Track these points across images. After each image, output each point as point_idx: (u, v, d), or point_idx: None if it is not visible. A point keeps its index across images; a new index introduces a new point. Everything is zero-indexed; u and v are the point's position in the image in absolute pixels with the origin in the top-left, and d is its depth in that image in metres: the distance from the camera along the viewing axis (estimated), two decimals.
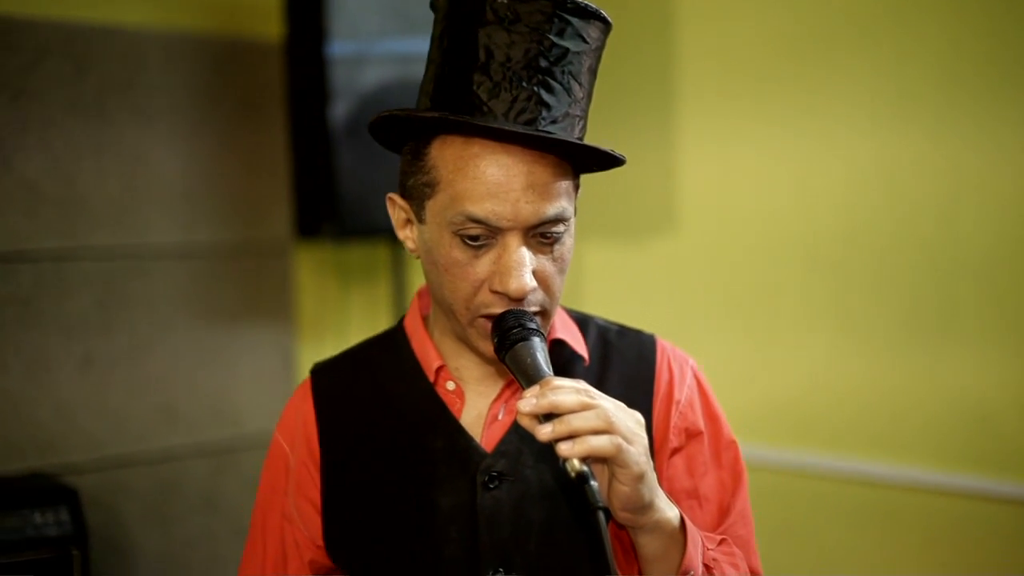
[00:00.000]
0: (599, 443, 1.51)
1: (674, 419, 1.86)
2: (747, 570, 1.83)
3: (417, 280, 3.85)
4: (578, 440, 1.50)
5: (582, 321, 1.93)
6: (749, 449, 3.30)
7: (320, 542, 1.83)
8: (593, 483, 1.49)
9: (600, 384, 1.75)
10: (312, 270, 3.76)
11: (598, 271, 3.60)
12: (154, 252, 3.36)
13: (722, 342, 3.39)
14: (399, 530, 1.77)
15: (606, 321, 1.96)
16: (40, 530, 2.82)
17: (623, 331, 1.95)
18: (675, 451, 1.85)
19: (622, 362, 1.88)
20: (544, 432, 1.50)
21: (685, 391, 1.90)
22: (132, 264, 3.32)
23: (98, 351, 3.26)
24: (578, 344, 1.86)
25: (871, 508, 3.17)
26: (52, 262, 3.19)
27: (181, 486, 3.43)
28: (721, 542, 1.80)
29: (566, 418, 1.51)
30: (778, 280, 3.29)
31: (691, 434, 1.87)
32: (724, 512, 1.87)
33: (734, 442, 1.94)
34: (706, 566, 1.70)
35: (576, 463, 1.49)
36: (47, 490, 2.93)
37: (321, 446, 1.84)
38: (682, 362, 1.95)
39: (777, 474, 3.32)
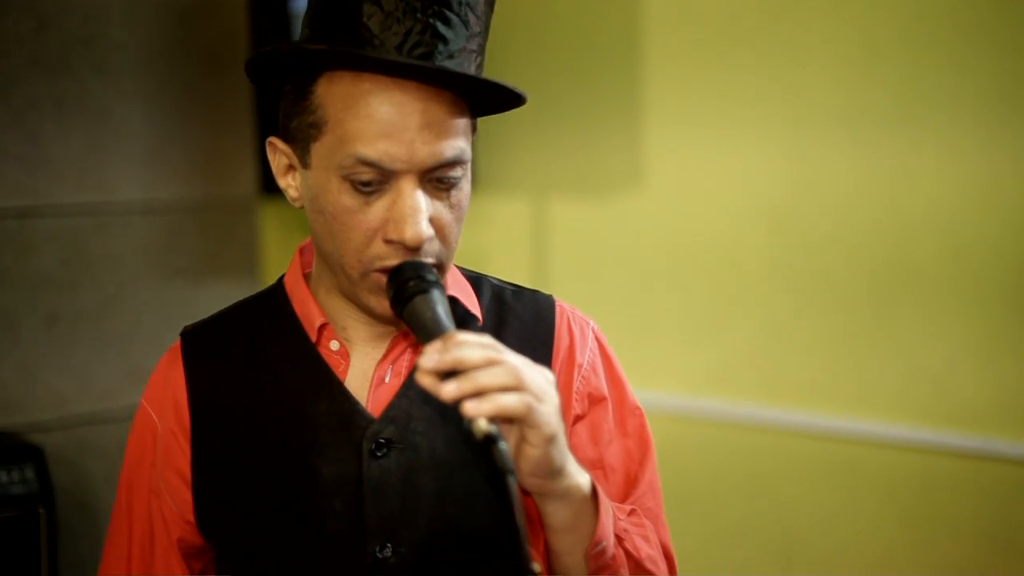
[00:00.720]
0: (509, 401, 1.38)
1: (576, 384, 1.74)
2: (657, 543, 1.73)
3: None
4: (486, 398, 1.37)
5: (475, 280, 1.79)
6: (713, 405, 3.33)
7: (190, 518, 1.67)
8: (502, 444, 1.37)
9: None
10: (277, 227, 3.74)
11: (563, 228, 3.59)
12: (118, 209, 3.34)
13: (686, 299, 3.40)
14: (277, 503, 1.63)
15: (501, 281, 1.82)
16: (6, 489, 2.81)
17: (519, 291, 1.81)
18: (578, 418, 1.74)
19: (518, 323, 1.75)
20: (448, 390, 1.37)
21: (587, 354, 1.78)
22: (96, 221, 3.30)
23: (63, 309, 3.24)
24: (471, 303, 1.72)
25: (834, 464, 3.19)
26: (15, 220, 3.16)
27: None
28: (631, 512, 1.71)
29: (472, 374, 1.38)
30: (742, 238, 3.29)
31: (594, 400, 1.76)
32: (631, 483, 1.77)
33: (639, 410, 1.83)
34: (617, 537, 1.61)
35: (483, 423, 1.37)
36: (12, 449, 2.92)
37: (191, 413, 1.68)
38: (583, 324, 1.82)
39: (741, 431, 3.33)
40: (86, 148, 3.27)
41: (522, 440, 1.44)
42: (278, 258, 3.75)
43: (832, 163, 3.13)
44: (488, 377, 1.38)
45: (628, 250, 3.49)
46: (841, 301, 3.14)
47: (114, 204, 3.33)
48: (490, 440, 1.37)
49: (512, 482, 1.36)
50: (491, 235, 3.73)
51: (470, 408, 1.37)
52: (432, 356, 1.39)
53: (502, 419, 1.41)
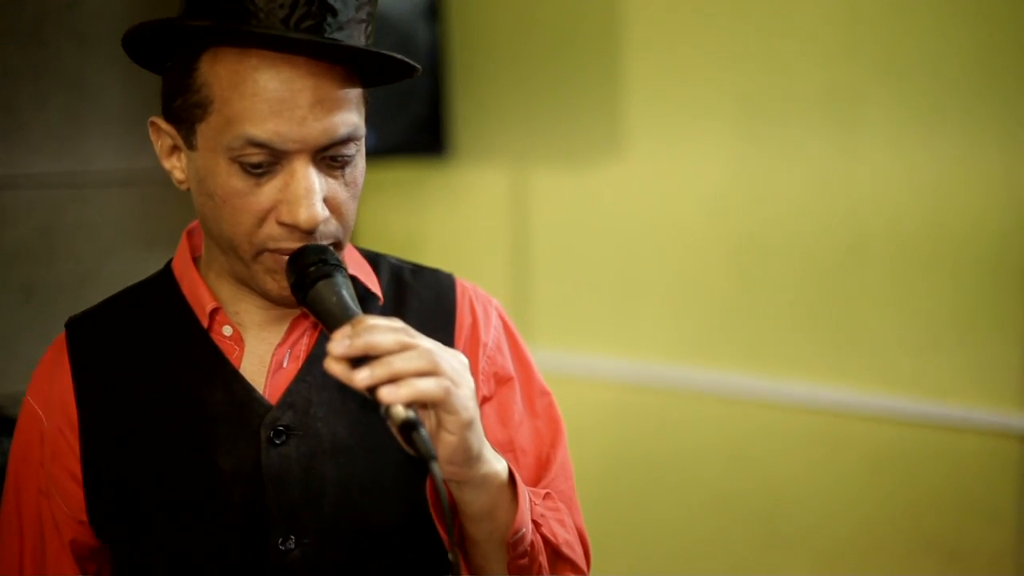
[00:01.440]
0: (426, 386, 1.33)
1: (482, 364, 1.70)
2: (573, 527, 1.68)
3: (362, 207, 3.82)
4: (402, 383, 1.32)
5: (373, 258, 1.73)
6: (693, 375, 3.33)
7: (83, 518, 1.60)
8: (423, 431, 1.32)
9: None
10: None
11: (543, 198, 3.58)
12: (96, 180, 3.31)
13: (666, 269, 3.39)
14: (172, 498, 1.56)
15: (399, 259, 1.77)
16: None
17: (418, 269, 1.75)
18: (485, 400, 1.70)
19: (418, 302, 1.70)
20: (361, 377, 1.32)
21: (492, 333, 1.73)
22: (74, 192, 3.27)
23: (40, 280, 3.22)
24: (371, 281, 1.67)
25: (816, 435, 3.19)
26: None
27: None
28: (545, 496, 1.66)
29: (386, 359, 1.33)
30: (722, 207, 3.29)
31: (501, 380, 1.72)
32: (543, 465, 1.73)
33: (548, 392, 1.78)
34: (534, 523, 1.56)
35: (400, 410, 1.32)
36: None
37: (79, 409, 1.60)
38: (485, 303, 1.77)
39: (722, 401, 3.33)
40: (63, 118, 3.24)
41: (439, 426, 1.39)
42: None
43: (812, 135, 3.12)
44: (402, 362, 1.33)
45: (608, 220, 3.49)
46: (821, 272, 3.14)
47: (92, 174, 3.31)
48: (410, 426, 1.32)
49: (436, 467, 1.32)
50: (470, 206, 3.72)
51: (386, 394, 1.32)
52: (342, 342, 1.34)
53: (419, 405, 1.36)
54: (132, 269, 3.38)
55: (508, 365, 1.74)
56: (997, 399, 2.93)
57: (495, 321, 1.75)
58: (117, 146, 3.35)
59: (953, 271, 2.95)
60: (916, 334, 3.02)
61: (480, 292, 1.78)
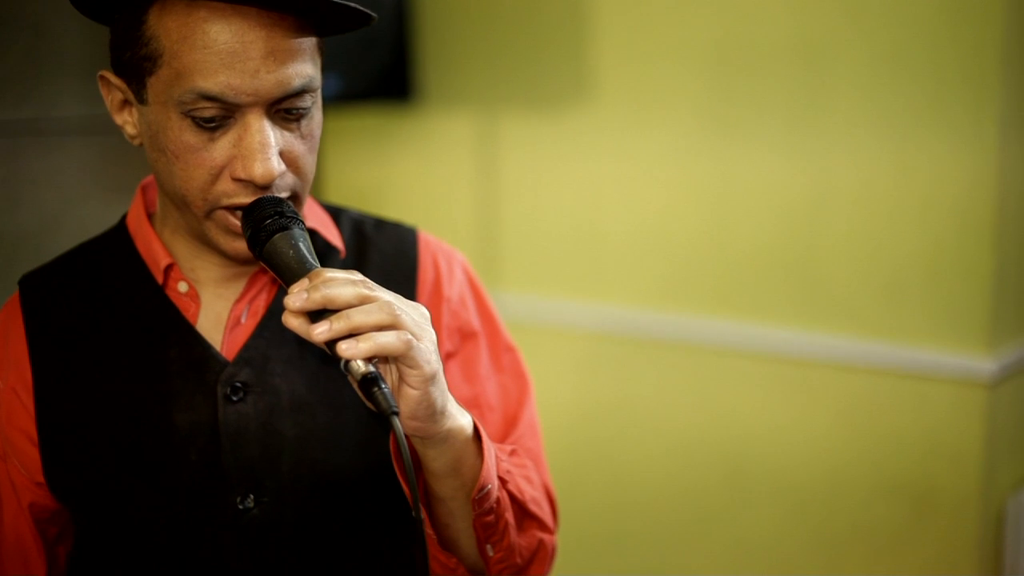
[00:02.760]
0: (386, 340, 1.30)
1: (445, 319, 1.68)
2: (540, 484, 1.67)
3: (331, 154, 3.80)
4: (362, 337, 1.29)
5: (334, 212, 1.71)
6: (662, 319, 3.33)
7: (40, 479, 1.57)
8: (384, 386, 1.29)
9: None
10: None
11: (512, 144, 3.57)
12: (58, 127, 3.28)
13: (635, 213, 3.39)
14: (130, 456, 1.53)
15: (361, 213, 1.74)
16: None
17: (380, 223, 1.72)
18: (449, 356, 1.68)
19: (380, 256, 1.67)
20: (320, 332, 1.30)
21: (455, 288, 1.71)
22: (36, 140, 3.24)
23: (5, 228, 3.19)
24: (331, 235, 1.65)
25: (784, 380, 3.20)
26: None
27: None
28: (512, 453, 1.64)
29: (345, 313, 1.30)
30: (690, 150, 3.28)
31: (466, 335, 1.70)
32: (511, 422, 1.71)
33: (514, 348, 1.76)
34: (500, 479, 1.54)
35: (360, 364, 1.29)
36: None
37: (33, 367, 1.57)
38: (449, 257, 1.74)
39: (690, 345, 3.34)
40: (24, 63, 3.20)
41: (401, 381, 1.36)
42: None
43: (781, 81, 3.12)
44: (362, 315, 1.31)
45: (576, 166, 3.48)
46: (790, 218, 3.14)
47: (54, 121, 3.27)
48: (370, 381, 1.30)
49: (397, 423, 1.29)
50: (438, 151, 3.70)
51: (346, 349, 1.30)
52: (299, 295, 1.32)
53: (379, 359, 1.34)
54: (96, 218, 3.36)
55: (473, 320, 1.71)
56: (963, 345, 2.94)
57: (459, 276, 1.73)
58: (79, 93, 3.32)
59: (920, 217, 2.96)
60: (883, 280, 3.03)
61: (444, 246, 1.75)
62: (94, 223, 3.36)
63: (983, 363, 2.92)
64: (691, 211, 3.30)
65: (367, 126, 3.80)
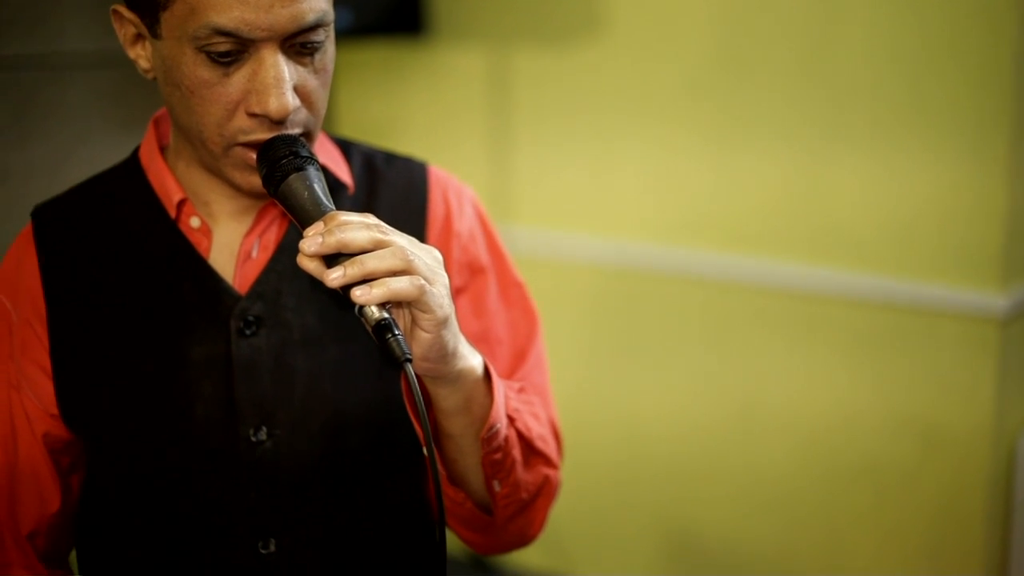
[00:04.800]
0: (400, 286, 1.31)
1: (455, 254, 1.68)
2: (547, 420, 1.69)
3: (343, 89, 3.78)
4: (376, 283, 1.31)
5: (344, 146, 1.71)
6: (674, 253, 3.33)
7: (54, 411, 1.58)
8: (398, 332, 1.31)
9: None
10: None
11: (524, 78, 3.55)
12: (69, 61, 3.27)
13: (647, 148, 3.38)
14: (143, 388, 1.55)
15: (371, 147, 1.73)
16: None
17: (391, 157, 1.72)
18: (459, 291, 1.68)
19: (390, 191, 1.67)
20: (334, 277, 1.31)
21: (465, 223, 1.70)
22: (46, 74, 3.23)
23: (15, 163, 3.19)
24: (340, 170, 1.65)
25: (794, 316, 3.21)
26: None
27: None
28: (520, 390, 1.65)
29: (359, 259, 1.31)
30: (702, 85, 3.26)
31: (475, 270, 1.71)
32: (519, 356, 1.73)
33: (522, 283, 1.77)
34: (508, 417, 1.56)
35: (374, 310, 1.31)
36: None
37: (47, 299, 1.57)
38: (459, 193, 1.73)
39: (701, 280, 3.33)
40: None
41: (413, 324, 1.38)
42: None
43: (794, 13, 3.10)
44: (375, 261, 1.32)
45: (587, 100, 3.47)
46: (800, 149, 3.13)
47: (64, 55, 3.26)
48: (384, 327, 1.31)
49: (411, 369, 1.31)
50: (449, 86, 3.69)
51: (360, 295, 1.31)
52: (314, 239, 1.33)
53: (393, 304, 1.35)
54: (106, 151, 3.35)
55: (482, 255, 1.72)
56: (976, 281, 2.93)
57: (469, 211, 1.73)
58: (87, 26, 3.30)
59: (936, 148, 2.94)
60: (895, 216, 3.02)
61: (454, 182, 1.74)
62: (104, 157, 3.36)
63: (995, 300, 2.91)
64: (703, 145, 3.29)
65: (378, 60, 3.79)
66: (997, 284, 2.92)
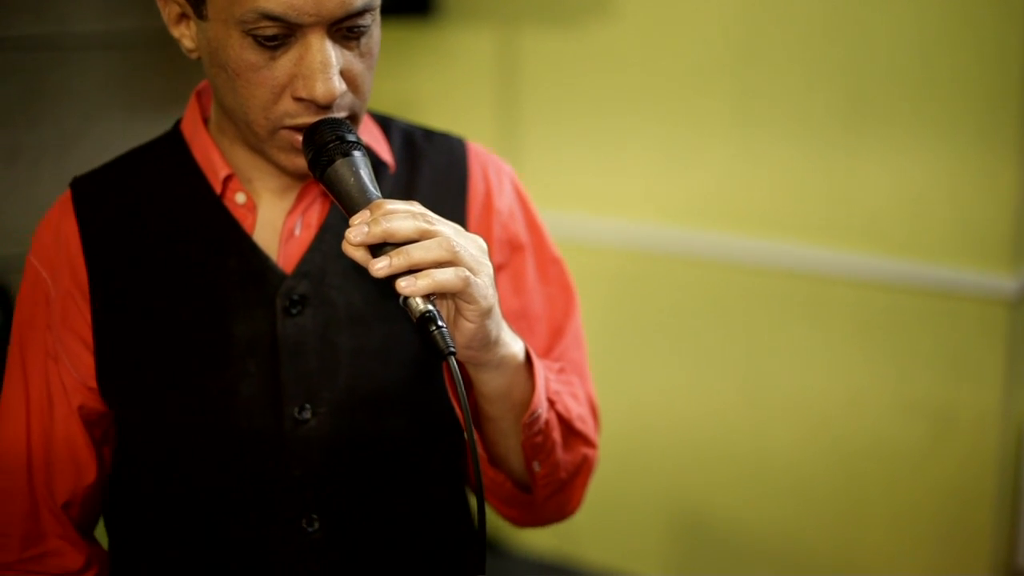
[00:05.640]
0: (445, 277, 1.32)
1: (496, 231, 1.68)
2: (585, 399, 1.70)
3: None
4: (421, 274, 1.31)
5: (383, 122, 1.70)
6: (683, 235, 3.32)
7: (92, 384, 1.57)
8: (442, 325, 1.31)
9: (408, 194, 1.60)
10: None
11: (532, 59, 3.55)
12: (78, 42, 3.27)
13: (657, 130, 3.37)
14: (187, 365, 1.54)
15: (408, 123, 1.73)
16: None
17: (429, 134, 1.72)
18: (498, 268, 1.68)
19: (431, 168, 1.66)
20: (380, 267, 1.31)
21: (505, 200, 1.70)
22: (56, 55, 3.23)
23: (24, 143, 3.19)
24: (381, 148, 1.64)
25: (804, 298, 3.20)
26: None
27: None
28: (560, 371, 1.67)
29: (405, 249, 1.32)
30: (713, 67, 3.26)
31: (514, 247, 1.71)
32: (556, 333, 1.73)
33: (560, 260, 1.78)
34: (549, 400, 1.58)
35: (419, 301, 1.31)
36: None
37: (89, 271, 1.56)
38: (498, 169, 1.73)
39: (711, 262, 3.33)
40: None
41: (457, 314, 1.39)
42: None
43: None
44: (421, 252, 1.33)
45: (597, 82, 3.46)
46: (815, 131, 3.12)
47: (73, 36, 3.26)
48: (428, 319, 1.32)
49: (454, 363, 1.31)
50: (458, 67, 3.68)
51: (405, 286, 1.31)
52: (360, 228, 1.34)
53: (437, 295, 1.35)
54: (116, 133, 3.38)
55: (521, 233, 1.72)
56: (986, 263, 2.93)
57: (508, 188, 1.73)
58: (98, 7, 3.30)
59: (944, 130, 2.94)
60: (906, 197, 3.02)
61: (493, 158, 1.75)
62: (114, 138, 3.36)
63: (1005, 281, 2.91)
64: (713, 128, 3.28)
65: (387, 42, 3.76)
66: (1006, 266, 2.91)
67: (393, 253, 1.32)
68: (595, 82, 3.46)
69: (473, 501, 1.63)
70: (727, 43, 3.22)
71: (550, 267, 1.75)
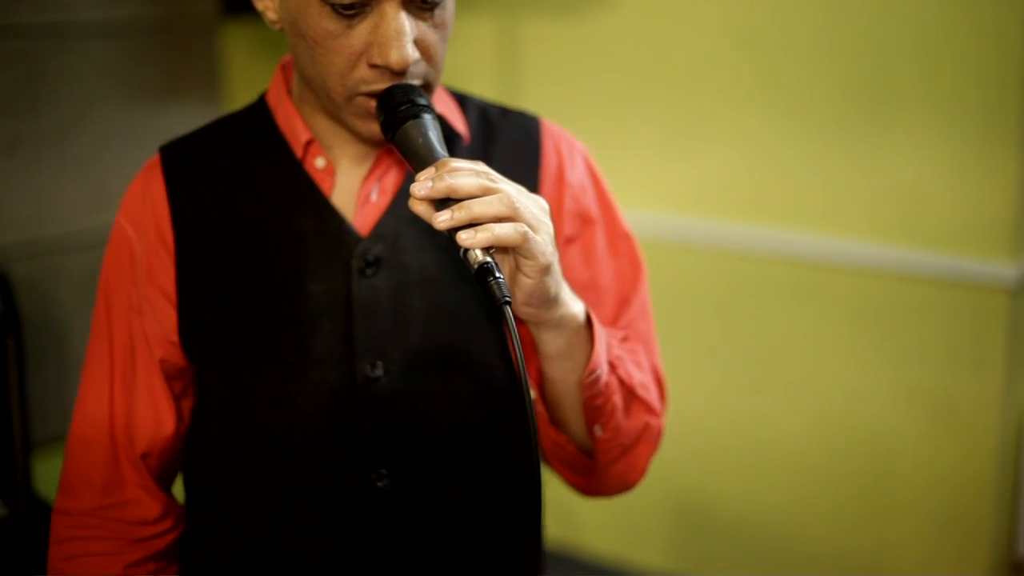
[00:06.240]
0: (503, 231, 1.37)
1: (567, 204, 1.73)
2: (649, 369, 1.75)
3: None
4: (480, 228, 1.37)
5: (460, 99, 1.77)
6: (685, 224, 3.32)
7: (174, 337, 1.65)
8: (499, 276, 1.36)
9: None
10: (239, 47, 3.68)
11: (534, 46, 3.54)
12: (77, 30, 3.26)
13: (659, 119, 3.37)
14: (264, 321, 1.62)
15: (484, 100, 1.80)
16: None
17: (505, 111, 1.78)
18: (569, 240, 1.74)
19: (505, 142, 1.73)
20: (442, 220, 1.37)
21: (577, 174, 1.76)
22: (55, 43, 3.23)
23: (25, 132, 3.19)
24: (457, 121, 1.71)
25: (806, 287, 3.20)
26: None
27: None
28: (623, 339, 1.72)
29: (466, 204, 1.38)
30: (715, 57, 3.25)
31: (585, 221, 1.76)
32: (624, 304, 1.78)
33: (630, 235, 1.82)
34: (610, 364, 1.62)
35: (479, 254, 1.37)
36: None
37: (175, 229, 1.65)
38: (571, 145, 1.80)
39: (713, 250, 3.33)
40: None
41: (516, 270, 1.44)
42: (241, 78, 3.70)
43: None
44: (482, 206, 1.38)
45: (598, 68, 3.45)
46: (815, 120, 3.12)
47: (73, 24, 3.26)
48: (485, 271, 1.37)
49: (508, 311, 1.36)
50: (458, 55, 3.68)
51: (464, 238, 1.37)
52: (425, 184, 1.39)
53: (497, 249, 1.41)
54: (116, 121, 3.39)
55: (592, 207, 1.77)
56: (986, 251, 2.93)
57: (580, 163, 1.78)
58: None
59: (946, 118, 2.94)
60: (908, 181, 3.01)
61: (565, 135, 1.81)
62: (114, 126, 3.38)
63: (1006, 270, 2.91)
64: (713, 116, 3.28)
65: None
66: (1007, 254, 2.91)
67: (455, 207, 1.38)
68: (595, 71, 3.45)
69: (546, 470, 1.76)
70: (726, 32, 3.22)
71: (620, 241, 1.81)
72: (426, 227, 1.51)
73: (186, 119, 3.53)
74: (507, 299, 1.36)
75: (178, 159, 1.70)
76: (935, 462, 3.08)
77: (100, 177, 3.34)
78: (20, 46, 3.16)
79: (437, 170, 1.40)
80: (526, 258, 1.42)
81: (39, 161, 3.22)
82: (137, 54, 3.40)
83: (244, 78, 3.71)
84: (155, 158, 1.70)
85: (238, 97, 3.71)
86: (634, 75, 3.40)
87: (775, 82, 3.17)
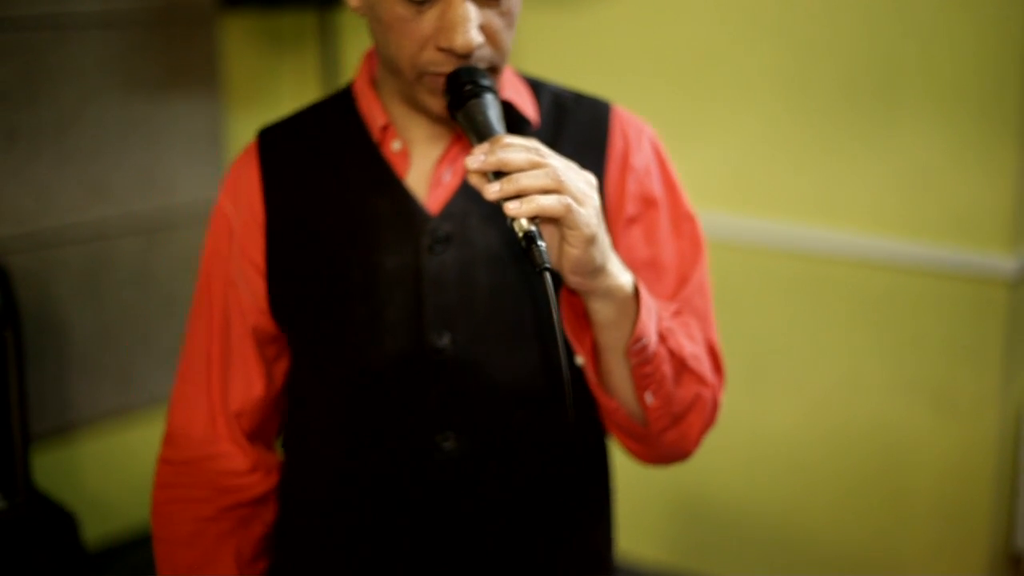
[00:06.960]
0: (548, 202, 1.48)
1: (630, 186, 1.82)
2: (703, 341, 1.83)
3: (348, 48, 3.78)
4: (526, 199, 1.47)
5: (535, 84, 1.88)
6: None
7: (264, 306, 1.81)
8: (541, 244, 1.46)
9: (550, 148, 1.70)
10: (239, 38, 3.68)
11: (536, 35, 3.54)
12: (76, 21, 3.26)
13: (659, 110, 3.37)
14: (342, 292, 1.76)
15: (560, 86, 1.90)
16: None
17: (579, 97, 1.89)
18: (632, 220, 1.82)
19: (575, 127, 1.84)
20: (492, 190, 1.48)
21: (642, 158, 1.85)
22: (54, 34, 3.23)
23: (23, 123, 3.19)
24: (527, 107, 1.80)
25: (804, 279, 3.20)
26: None
27: (112, 261, 3.40)
28: (676, 313, 1.79)
29: (515, 176, 1.48)
30: (714, 50, 3.25)
31: (648, 202, 1.84)
32: (682, 281, 1.86)
33: (693, 216, 1.91)
34: (660, 335, 1.70)
35: (524, 223, 1.47)
36: None
37: (266, 208, 1.80)
38: (639, 129, 1.89)
39: (711, 245, 3.33)
40: None
41: (562, 240, 1.53)
42: (240, 69, 3.69)
43: None
44: (529, 179, 1.48)
45: (601, 62, 3.45)
46: (814, 112, 3.12)
47: (72, 16, 3.26)
48: (529, 239, 1.46)
49: (548, 277, 1.45)
50: None
51: (511, 208, 1.47)
52: (478, 156, 1.50)
53: (542, 219, 1.50)
54: (115, 112, 3.38)
55: (655, 188, 1.85)
56: (985, 243, 2.93)
57: (646, 147, 1.87)
58: None
59: (947, 110, 2.93)
60: (904, 178, 3.01)
61: (635, 120, 1.90)
62: (112, 117, 3.38)
63: (1004, 262, 2.91)
64: (712, 108, 3.28)
65: None
66: (1006, 246, 2.91)
67: (504, 179, 1.48)
68: (594, 63, 3.45)
69: (608, 443, 1.92)
70: (726, 24, 3.21)
71: (683, 223, 1.89)
72: (493, 207, 1.60)
73: (185, 111, 3.53)
74: (547, 265, 1.45)
75: (272, 142, 1.84)
76: (934, 454, 3.08)
77: (99, 169, 3.35)
78: (19, 38, 3.17)
79: (491, 145, 1.51)
80: (570, 228, 1.50)
81: (38, 153, 3.22)
82: (136, 46, 3.40)
83: (243, 70, 3.70)
84: (254, 141, 1.85)
85: (237, 89, 3.70)
86: (634, 67, 3.40)
87: (775, 75, 3.17)
